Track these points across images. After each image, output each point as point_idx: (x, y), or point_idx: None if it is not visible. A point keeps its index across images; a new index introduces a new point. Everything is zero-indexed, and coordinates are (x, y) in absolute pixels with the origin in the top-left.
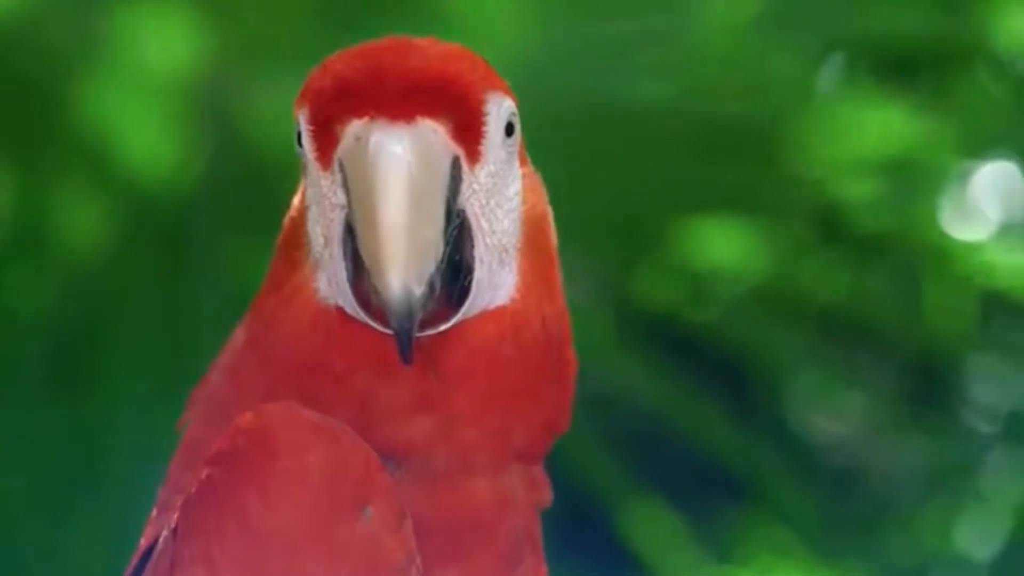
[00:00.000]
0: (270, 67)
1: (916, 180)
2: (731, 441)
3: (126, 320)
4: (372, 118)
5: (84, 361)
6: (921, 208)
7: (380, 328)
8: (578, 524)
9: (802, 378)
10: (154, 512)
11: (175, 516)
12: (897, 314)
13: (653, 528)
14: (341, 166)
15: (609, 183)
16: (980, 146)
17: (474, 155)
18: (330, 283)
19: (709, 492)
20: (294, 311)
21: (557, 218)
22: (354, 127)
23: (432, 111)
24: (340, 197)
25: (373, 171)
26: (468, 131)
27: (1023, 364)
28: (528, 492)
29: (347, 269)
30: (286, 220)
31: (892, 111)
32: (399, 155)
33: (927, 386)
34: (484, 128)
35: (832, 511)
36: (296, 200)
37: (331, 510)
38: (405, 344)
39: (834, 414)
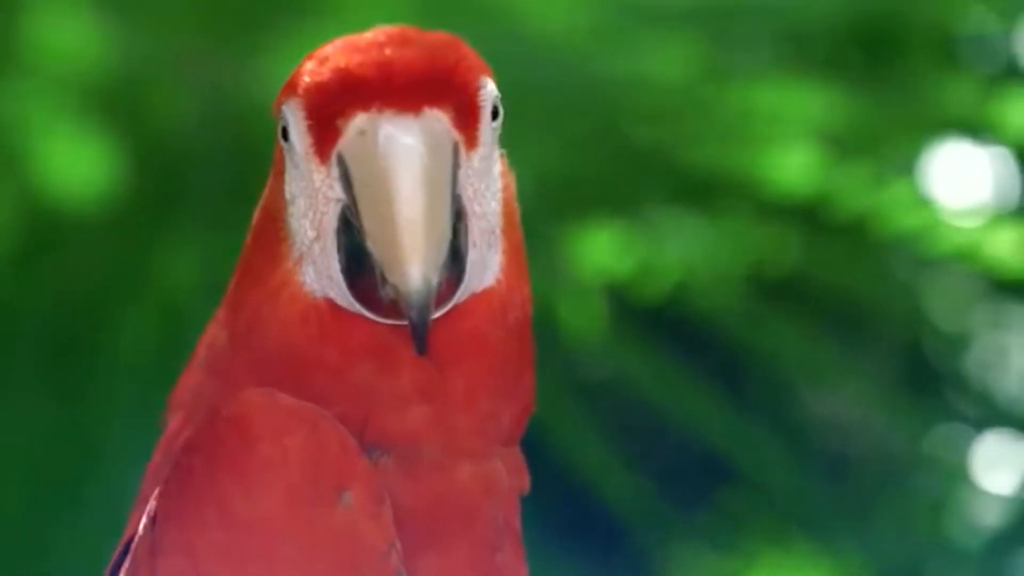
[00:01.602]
0: (190, 59)
1: (903, 164)
2: (726, 428)
3: (116, 317)
4: (379, 111)
5: (76, 358)
6: (911, 192)
7: (377, 319)
8: (573, 512)
9: (797, 365)
10: (135, 505)
11: (153, 504)
12: (891, 300)
13: (647, 515)
14: (341, 160)
15: (598, 171)
16: (964, 128)
17: (472, 141)
18: (320, 276)
19: (703, 479)
20: (281, 306)
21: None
22: (359, 121)
23: (436, 100)
24: (337, 191)
25: (385, 164)
26: (468, 117)
27: (1017, 350)
28: (512, 477)
29: (341, 262)
30: (259, 213)
31: (876, 94)
32: (411, 146)
33: (921, 373)
34: (481, 113)
35: (826, 498)
36: (270, 193)
37: (309, 496)
38: (422, 335)
39: (828, 401)
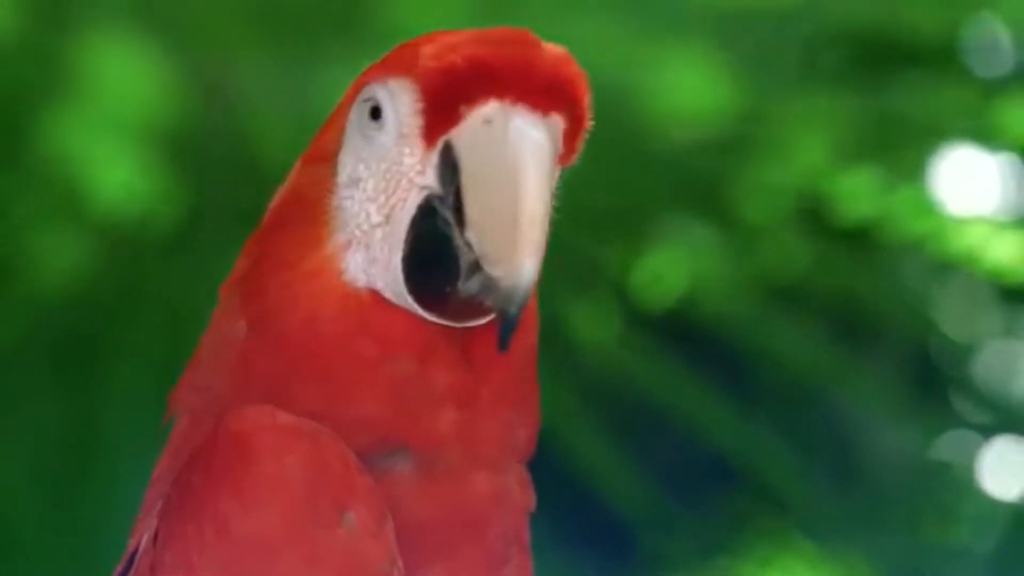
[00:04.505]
0: (239, 89)
1: (909, 169)
2: (734, 433)
3: (126, 328)
4: (513, 103)
5: (84, 364)
6: (920, 199)
7: (425, 314)
8: (580, 515)
9: (805, 370)
10: (140, 514)
11: (155, 521)
12: (899, 306)
13: (654, 518)
14: (447, 147)
15: (610, 179)
16: (971, 134)
17: (570, 153)
18: (370, 264)
19: (711, 483)
20: (316, 292)
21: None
22: (487, 110)
23: (560, 106)
24: (428, 178)
25: (514, 157)
26: (576, 129)
27: (1023, 355)
28: (521, 491)
29: (404, 251)
30: (284, 199)
31: (884, 100)
32: (541, 142)
33: (929, 379)
34: (583, 131)
35: (834, 503)
36: (303, 178)
37: (311, 516)
38: (512, 330)
39: (836, 406)
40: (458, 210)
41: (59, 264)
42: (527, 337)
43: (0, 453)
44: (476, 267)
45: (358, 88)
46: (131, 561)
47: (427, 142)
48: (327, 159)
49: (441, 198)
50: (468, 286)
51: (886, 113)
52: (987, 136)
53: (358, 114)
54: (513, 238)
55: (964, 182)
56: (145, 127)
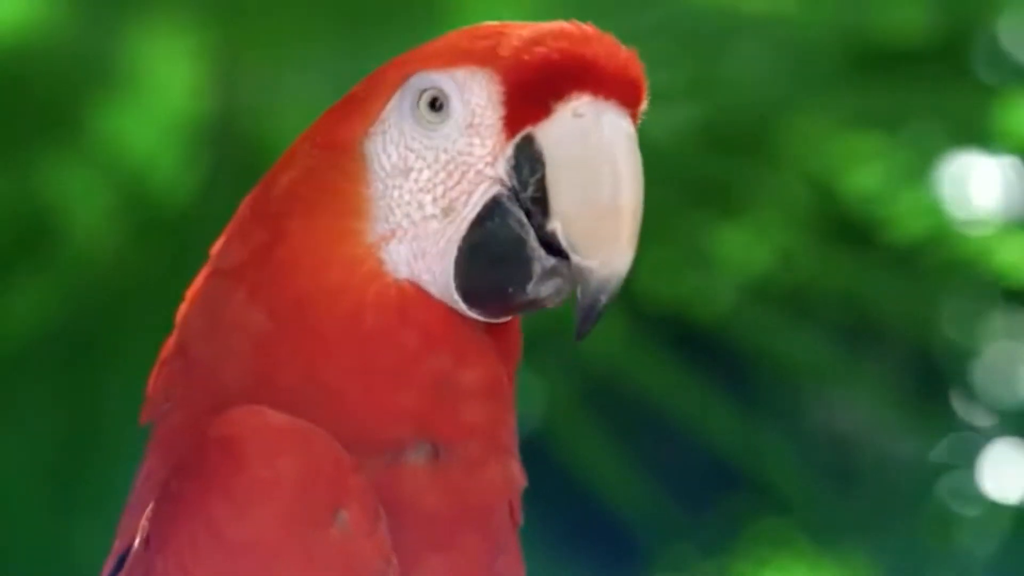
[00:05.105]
0: (271, 78)
1: (913, 172)
2: (735, 434)
3: (131, 320)
4: (606, 98)
5: (88, 360)
6: (923, 202)
7: (468, 311)
8: (580, 517)
9: (807, 373)
10: (128, 511)
11: (146, 525)
12: (901, 309)
13: (655, 519)
14: (527, 139)
15: None
16: (979, 139)
17: None
18: (419, 256)
19: (711, 484)
20: (356, 284)
21: None
22: (578, 103)
23: (635, 101)
24: (500, 169)
25: (612, 149)
26: (633, 123)
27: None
28: (519, 473)
29: (461, 243)
30: (300, 185)
31: (887, 103)
32: (633, 136)
33: (930, 381)
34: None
35: (834, 504)
36: (327, 168)
37: (305, 517)
38: (595, 321)
39: (837, 408)
40: (536, 201)
41: (71, 254)
42: (519, 325)
43: (1, 450)
44: (551, 272)
45: (403, 76)
46: (120, 561)
47: (507, 134)
48: (348, 147)
49: (513, 191)
50: (538, 289)
51: (890, 116)
52: (991, 139)
53: (410, 103)
54: (612, 229)
55: (968, 185)
56: (178, 116)
